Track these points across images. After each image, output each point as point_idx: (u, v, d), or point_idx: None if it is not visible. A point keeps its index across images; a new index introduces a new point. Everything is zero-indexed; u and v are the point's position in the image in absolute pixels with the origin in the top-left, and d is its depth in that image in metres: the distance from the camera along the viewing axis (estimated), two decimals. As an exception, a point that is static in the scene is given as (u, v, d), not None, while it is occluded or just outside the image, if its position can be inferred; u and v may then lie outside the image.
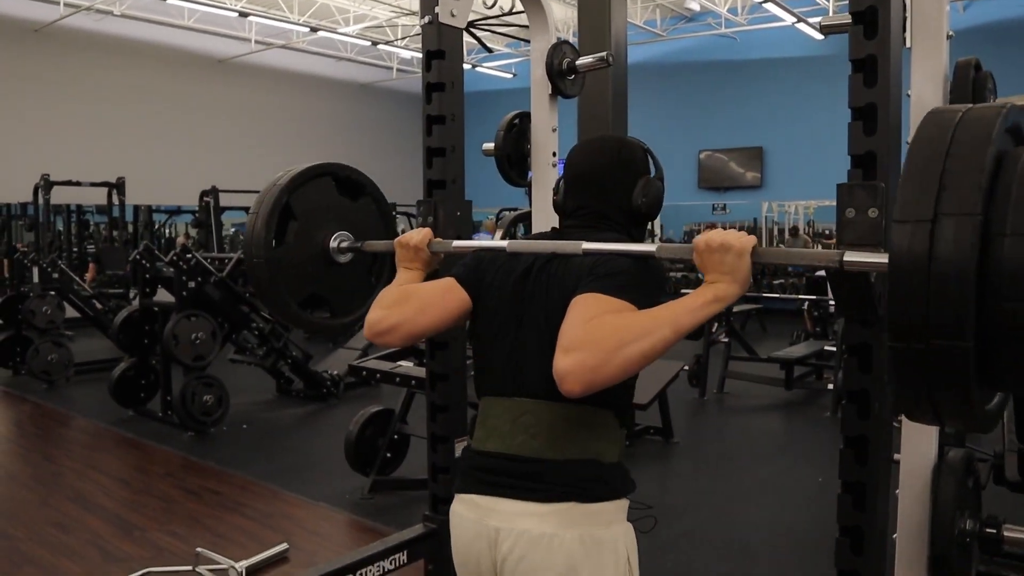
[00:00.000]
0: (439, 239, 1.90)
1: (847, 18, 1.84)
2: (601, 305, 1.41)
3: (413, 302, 1.69)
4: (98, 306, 8.66)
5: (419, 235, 1.90)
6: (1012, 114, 1.12)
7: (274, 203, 2.03)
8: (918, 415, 1.13)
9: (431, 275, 1.92)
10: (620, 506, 1.61)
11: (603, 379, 1.33)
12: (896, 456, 1.99)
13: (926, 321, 1.02)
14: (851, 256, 1.31)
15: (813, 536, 4.08)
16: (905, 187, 1.06)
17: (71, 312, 8.39)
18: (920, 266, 1.02)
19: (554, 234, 1.73)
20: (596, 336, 1.34)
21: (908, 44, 1.86)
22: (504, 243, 1.70)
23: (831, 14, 12.26)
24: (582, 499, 1.53)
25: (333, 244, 2.12)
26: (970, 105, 1.11)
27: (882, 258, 1.25)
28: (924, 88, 1.82)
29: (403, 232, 1.99)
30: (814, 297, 8.66)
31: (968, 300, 1.00)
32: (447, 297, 1.69)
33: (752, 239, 1.40)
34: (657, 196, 1.71)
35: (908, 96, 1.87)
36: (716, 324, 7.70)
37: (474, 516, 1.59)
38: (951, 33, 1.86)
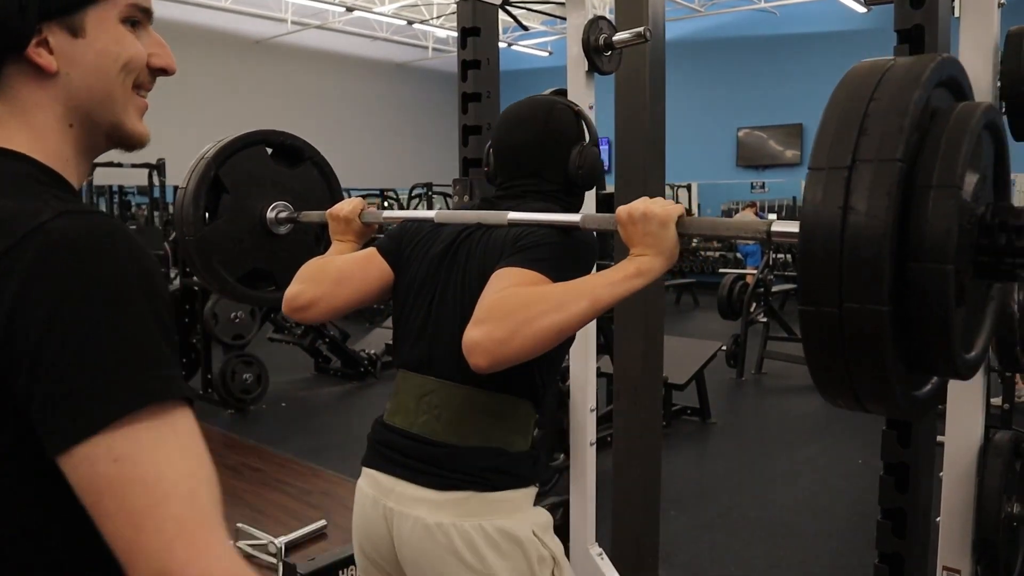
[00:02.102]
0: (371, 210, 1.81)
1: (893, -12, 1.79)
2: (517, 279, 1.34)
3: (331, 273, 1.62)
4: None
5: (349, 206, 1.80)
6: (947, 65, 0.99)
7: (201, 177, 1.91)
8: (834, 393, 1.00)
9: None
10: (526, 494, 1.53)
11: (512, 352, 1.26)
12: (940, 438, 1.95)
13: (839, 281, 0.90)
14: (779, 227, 1.18)
15: (853, 518, 4.04)
16: (821, 134, 0.95)
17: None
18: (833, 220, 0.89)
19: (483, 204, 1.65)
20: (506, 308, 1.27)
21: (956, 13, 1.80)
22: (432, 213, 1.63)
23: (874, -13, 11.98)
24: (481, 488, 1.46)
25: (271, 215, 1.99)
26: (903, 57, 1.00)
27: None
28: (973, 60, 1.77)
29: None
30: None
31: (885, 258, 0.87)
32: (367, 268, 1.63)
33: (679, 208, 1.31)
34: (593, 164, 1.59)
35: (956, 68, 1.81)
36: (755, 304, 7.62)
37: (373, 494, 1.54)
38: (1003, 1, 1.80)
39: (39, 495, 0.75)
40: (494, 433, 1.50)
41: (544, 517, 1.55)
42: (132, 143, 0.91)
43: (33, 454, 0.72)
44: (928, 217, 0.89)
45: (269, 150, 2.06)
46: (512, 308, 1.27)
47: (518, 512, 1.50)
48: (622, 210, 1.33)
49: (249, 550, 3.57)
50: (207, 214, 1.93)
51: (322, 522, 3.83)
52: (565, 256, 1.41)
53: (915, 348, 0.95)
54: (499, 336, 1.24)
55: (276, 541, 3.53)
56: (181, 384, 0.76)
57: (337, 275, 1.62)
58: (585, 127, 1.62)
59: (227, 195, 1.94)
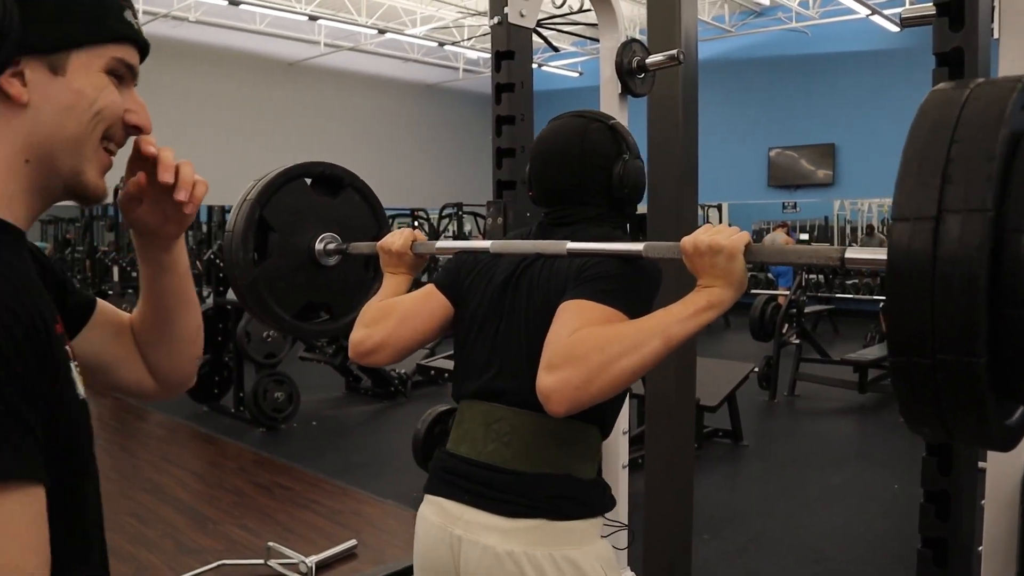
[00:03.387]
0: (422, 241, 1.79)
1: (930, 9, 1.78)
2: (587, 314, 1.33)
3: (394, 316, 1.62)
4: (174, 304, 8.91)
5: (401, 239, 1.77)
6: None
7: (247, 219, 1.90)
8: (928, 435, 1.00)
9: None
10: (594, 524, 1.51)
11: (589, 398, 1.25)
12: (982, 464, 1.92)
13: (932, 332, 0.88)
14: (853, 253, 1.14)
15: (889, 546, 3.97)
16: (904, 179, 0.93)
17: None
18: (923, 269, 0.87)
19: (539, 230, 1.64)
20: (581, 351, 1.25)
21: (997, 35, 1.79)
22: (487, 244, 1.60)
23: (909, 5, 11.90)
24: (552, 517, 1.44)
25: (319, 247, 1.98)
26: (980, 80, 0.95)
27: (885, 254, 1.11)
28: (1013, 82, 1.75)
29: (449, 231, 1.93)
30: (889, 298, 8.40)
31: (980, 307, 0.85)
32: (428, 306, 1.63)
33: (744, 237, 1.26)
34: (637, 178, 1.58)
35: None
36: (787, 326, 7.55)
37: (439, 521, 1.52)
38: (1043, 23, 1.78)
39: None
40: (563, 460, 1.49)
41: (609, 551, 1.54)
42: (88, 196, 0.88)
43: None
44: (1022, 262, 0.87)
45: (309, 180, 2.06)
46: (586, 352, 1.25)
47: (586, 543, 1.48)
48: (687, 241, 1.29)
49: (280, 569, 3.58)
50: (256, 254, 1.94)
51: (352, 542, 3.83)
52: (631, 286, 1.40)
53: (1007, 382, 0.93)
54: (576, 382, 1.24)
55: (307, 560, 3.54)
56: (27, 464, 0.68)
57: (399, 316, 1.62)
58: (623, 141, 1.60)
59: (274, 233, 1.95)
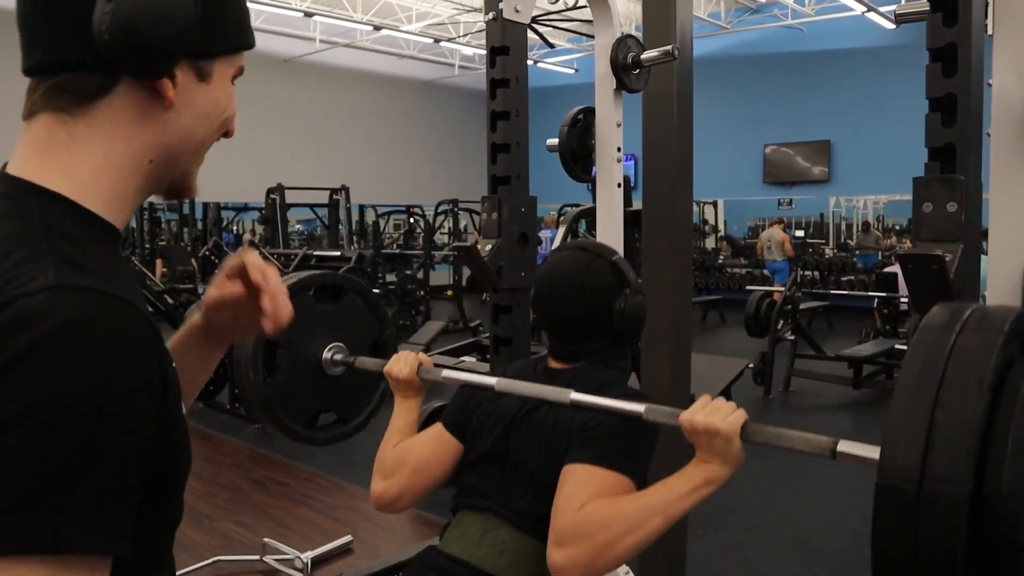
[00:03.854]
0: (428, 366, 1.85)
1: (924, 5, 1.78)
2: (593, 482, 1.41)
3: (409, 465, 1.70)
4: (169, 301, 8.90)
5: (407, 368, 1.81)
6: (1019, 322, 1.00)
7: (254, 343, 1.95)
8: None
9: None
10: None
11: (596, 573, 1.36)
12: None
13: (914, 546, 0.93)
14: (844, 448, 1.20)
15: (883, 539, 3.98)
16: (891, 438, 0.97)
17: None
18: (905, 544, 0.93)
19: (544, 369, 1.72)
20: (588, 529, 1.35)
21: (990, 31, 1.80)
22: (493, 381, 1.66)
23: (904, 2, 11.90)
24: None
25: (326, 356, 2.02)
26: (966, 320, 0.99)
27: (875, 452, 1.12)
28: (1006, 77, 1.76)
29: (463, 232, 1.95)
30: (884, 294, 8.43)
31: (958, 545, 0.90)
32: (439, 451, 1.71)
33: (740, 417, 1.31)
34: (638, 314, 1.66)
35: (989, 86, 1.80)
36: (782, 322, 7.56)
37: None
38: (1036, 19, 1.78)
39: None
40: None
41: None
42: (188, 194, 0.90)
43: None
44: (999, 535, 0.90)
45: (311, 294, 2.11)
46: (594, 530, 1.35)
47: None
48: (685, 419, 1.33)
49: (276, 565, 3.58)
50: (265, 370, 1.99)
51: (348, 537, 3.84)
52: (633, 448, 1.48)
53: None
54: (584, 560, 1.34)
55: (302, 556, 3.54)
56: (112, 538, 0.65)
57: (413, 466, 1.70)
58: (624, 277, 1.67)
59: (281, 349, 2.00)
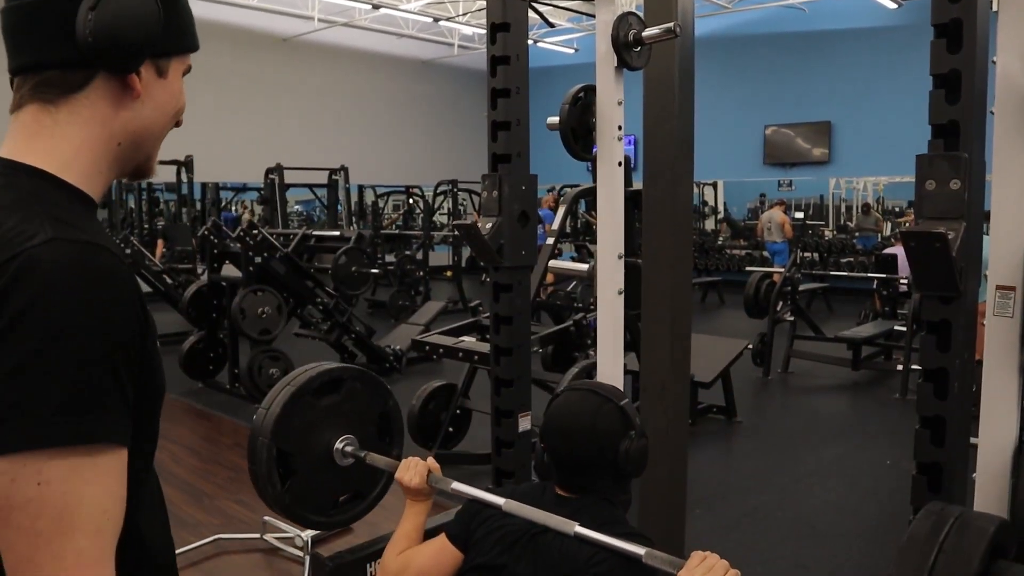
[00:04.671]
0: (438, 475, 1.95)
1: (930, -18, 1.76)
2: None
3: (411, 572, 1.84)
4: (168, 281, 8.89)
5: (418, 477, 1.93)
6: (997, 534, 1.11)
7: (267, 459, 2.04)
8: None
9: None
10: None
11: None
12: (973, 440, 1.93)
13: None
14: None
15: (881, 519, 4.00)
16: None
17: (143, 287, 8.60)
18: None
19: (551, 500, 1.80)
20: None
21: (995, 7, 1.78)
22: (501, 501, 1.74)
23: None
24: None
25: (338, 447, 2.11)
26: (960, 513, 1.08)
27: None
28: (1011, 55, 1.74)
29: (466, 215, 1.97)
30: (883, 276, 8.43)
31: None
32: (440, 561, 1.82)
33: None
34: (641, 457, 1.76)
35: (994, 63, 1.78)
36: (782, 303, 7.56)
37: None
38: (1042, -4, 1.77)
39: None
40: None
41: None
42: (149, 175, 1.06)
43: None
44: None
45: (310, 396, 2.16)
46: None
47: None
48: None
49: (276, 543, 3.60)
50: (280, 478, 2.08)
51: (348, 516, 3.85)
52: None
53: None
54: None
55: (303, 535, 3.56)
56: (121, 430, 0.82)
57: (415, 574, 1.84)
58: (630, 421, 1.77)
59: (293, 456, 2.08)
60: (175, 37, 0.98)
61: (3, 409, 0.76)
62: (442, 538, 1.85)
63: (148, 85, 0.95)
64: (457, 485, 1.89)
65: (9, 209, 0.84)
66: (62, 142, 0.91)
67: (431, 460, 1.97)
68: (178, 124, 1.06)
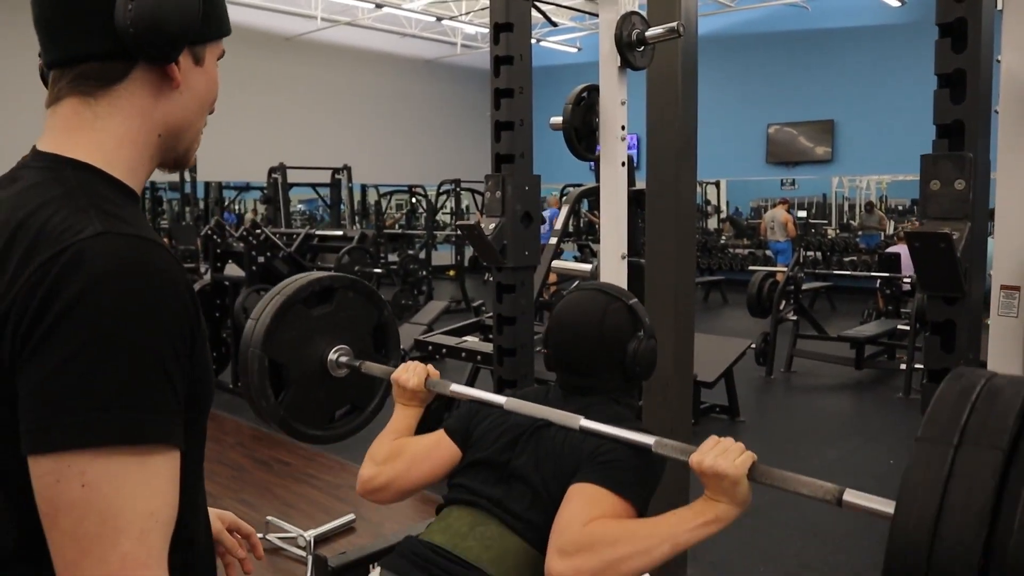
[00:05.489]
0: (436, 379, 1.87)
1: (934, -19, 1.76)
2: (601, 503, 1.43)
3: (404, 458, 1.72)
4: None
5: (416, 378, 1.84)
6: None
7: (259, 370, 1.98)
8: None
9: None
10: None
11: None
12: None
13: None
14: (851, 498, 1.21)
15: (885, 520, 3.99)
16: (913, 473, 0.99)
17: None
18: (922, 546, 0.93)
19: (555, 396, 1.72)
20: (595, 545, 1.35)
21: (1000, 6, 1.77)
22: (502, 400, 1.67)
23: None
24: None
25: (332, 358, 2.04)
26: (991, 376, 1.01)
27: (887, 506, 1.13)
28: (1015, 54, 1.74)
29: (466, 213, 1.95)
30: (887, 275, 8.41)
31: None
32: (437, 451, 1.72)
33: (747, 461, 1.34)
34: (650, 359, 1.69)
35: (998, 62, 1.78)
36: (785, 302, 7.55)
37: None
38: (1047, -5, 1.76)
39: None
40: None
41: None
42: (186, 166, 1.05)
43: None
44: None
45: (302, 305, 2.10)
46: (599, 547, 1.35)
47: None
48: (695, 460, 1.35)
49: (279, 543, 3.60)
50: (273, 390, 2.01)
51: (351, 516, 3.85)
52: (641, 478, 1.50)
53: None
54: (587, 573, 1.34)
55: (305, 535, 3.56)
56: (174, 431, 0.80)
57: (409, 460, 1.72)
58: (640, 321, 1.70)
59: (286, 368, 2.02)
60: (211, 22, 0.94)
61: (49, 406, 0.74)
62: (440, 432, 1.76)
63: (186, 74, 0.93)
64: (456, 387, 1.82)
65: (57, 202, 0.82)
66: (104, 135, 0.89)
67: (430, 366, 1.89)
68: (211, 111, 1.03)
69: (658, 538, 1.36)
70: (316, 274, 2.10)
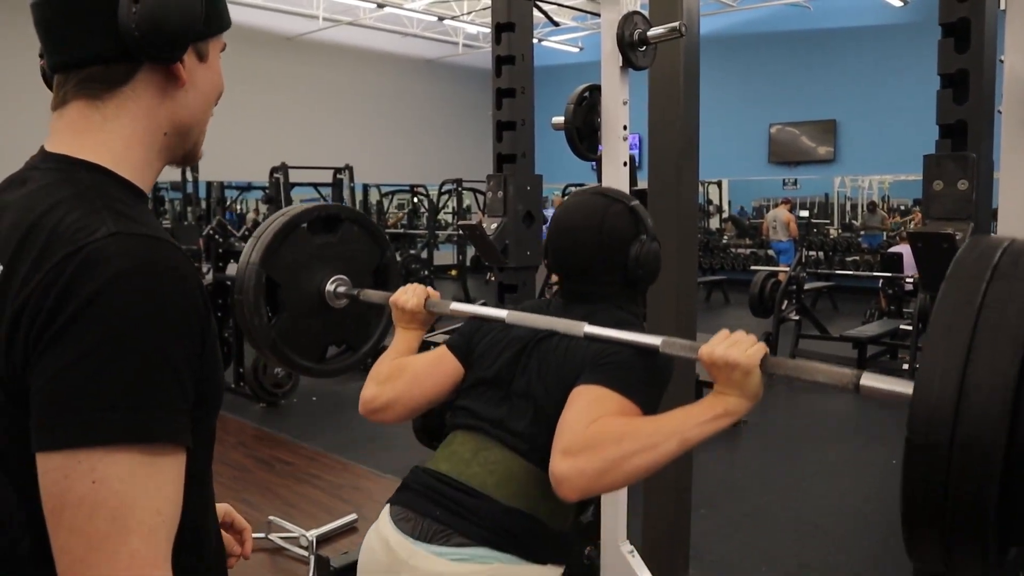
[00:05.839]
0: (436, 299, 1.82)
1: (937, -19, 1.76)
2: (605, 404, 1.37)
3: (406, 376, 1.66)
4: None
5: (415, 299, 1.79)
6: None
7: (255, 286, 1.93)
8: (927, 564, 1.03)
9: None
10: (553, 571, 1.51)
11: (602, 488, 1.31)
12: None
13: (945, 499, 0.91)
14: (868, 380, 1.15)
15: (886, 518, 3.99)
16: (932, 349, 0.95)
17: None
18: (941, 443, 0.90)
19: (556, 305, 1.67)
20: (598, 443, 1.29)
21: (1003, 6, 1.77)
22: (503, 314, 1.63)
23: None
24: (514, 552, 1.44)
25: (329, 289, 2.00)
26: (1008, 247, 0.96)
27: (905, 387, 1.09)
28: (1018, 54, 1.73)
29: (468, 211, 1.93)
30: (889, 274, 8.40)
31: (993, 485, 0.88)
32: (440, 369, 1.66)
33: (760, 351, 1.29)
34: (654, 261, 1.63)
35: (1002, 62, 1.77)
36: (787, 302, 7.55)
37: (387, 561, 1.50)
38: (1050, -5, 1.75)
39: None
40: (541, 506, 1.49)
41: None
42: (194, 162, 1.04)
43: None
44: None
45: (306, 228, 2.07)
46: (604, 444, 1.29)
47: None
48: (704, 352, 1.31)
49: (281, 543, 3.60)
50: (269, 310, 1.97)
51: (353, 516, 3.85)
52: (647, 379, 1.44)
53: (1012, 535, 0.94)
54: (591, 473, 1.28)
55: (307, 534, 3.56)
56: (181, 430, 0.80)
57: (411, 378, 1.65)
58: (642, 223, 1.64)
59: (282, 289, 1.97)
60: (212, 19, 0.94)
61: (60, 403, 0.74)
62: (442, 348, 1.70)
63: (191, 72, 0.93)
64: (456, 305, 1.78)
65: (69, 203, 0.83)
66: (112, 136, 0.90)
67: (430, 288, 1.84)
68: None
69: (664, 434, 1.29)
70: (322, 204, 2.07)
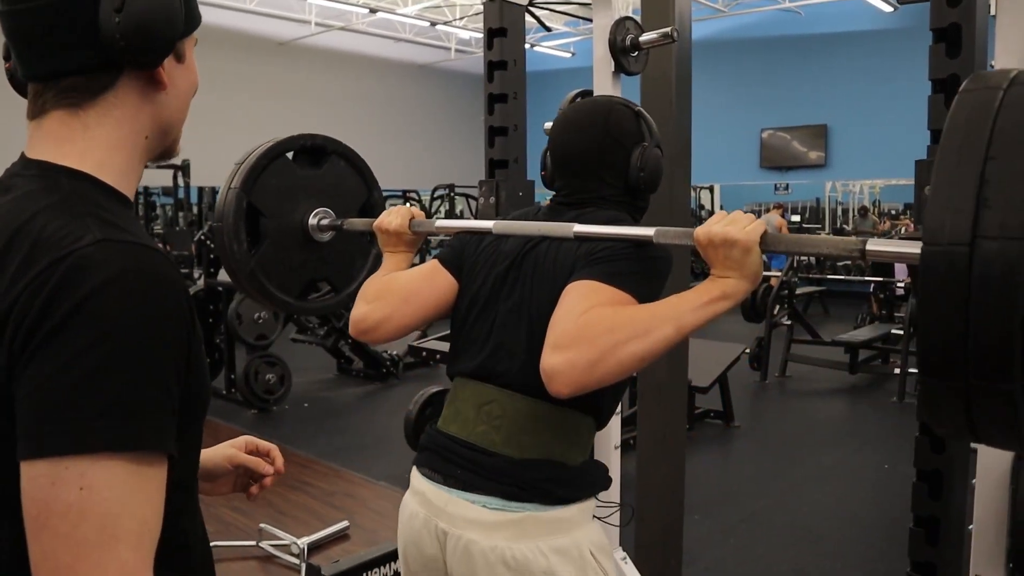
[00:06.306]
0: (420, 218, 1.74)
1: (927, -14, 1.76)
2: (597, 295, 1.29)
3: (396, 291, 1.58)
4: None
5: (399, 218, 1.71)
6: None
7: (235, 211, 1.86)
8: (958, 439, 0.96)
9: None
10: (585, 508, 1.49)
11: (595, 380, 1.22)
12: (973, 445, 1.92)
13: (964, 357, 0.83)
14: (874, 246, 1.08)
15: (880, 523, 3.99)
16: (936, 201, 0.86)
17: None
18: (957, 293, 0.82)
19: (548, 211, 1.60)
20: (589, 333, 1.22)
21: (994, 11, 1.77)
22: (490, 224, 1.55)
23: (901, -13, 11.78)
24: (541, 502, 1.42)
25: (312, 223, 1.93)
26: (1008, 84, 0.87)
27: (912, 247, 0.99)
28: (1009, 60, 1.73)
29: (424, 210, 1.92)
30: (881, 279, 8.43)
31: (1015, 334, 0.80)
32: (432, 282, 1.60)
33: (759, 227, 1.21)
34: (656, 166, 1.55)
35: (992, 67, 1.78)
36: (779, 307, 7.56)
37: (424, 513, 1.50)
38: (1041, 0, 1.76)
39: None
40: (554, 447, 1.45)
41: (600, 536, 1.51)
42: (173, 157, 1.02)
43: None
44: None
45: (291, 155, 2.00)
46: (595, 334, 1.22)
47: (575, 529, 1.45)
48: (700, 232, 1.24)
49: (272, 550, 3.58)
50: (249, 241, 1.90)
51: (345, 523, 3.83)
52: (642, 270, 1.37)
53: None
54: (582, 364, 1.21)
55: (299, 542, 3.53)
56: (167, 439, 0.80)
57: (403, 292, 1.58)
58: (646, 127, 1.57)
59: (264, 219, 1.91)
60: (188, 17, 0.93)
61: (47, 411, 0.74)
62: (433, 262, 1.63)
63: (170, 72, 0.92)
64: (442, 222, 1.71)
65: (53, 209, 0.82)
66: (94, 144, 0.89)
67: (415, 208, 1.77)
68: None
69: (659, 319, 1.22)
70: (308, 134, 2.00)
